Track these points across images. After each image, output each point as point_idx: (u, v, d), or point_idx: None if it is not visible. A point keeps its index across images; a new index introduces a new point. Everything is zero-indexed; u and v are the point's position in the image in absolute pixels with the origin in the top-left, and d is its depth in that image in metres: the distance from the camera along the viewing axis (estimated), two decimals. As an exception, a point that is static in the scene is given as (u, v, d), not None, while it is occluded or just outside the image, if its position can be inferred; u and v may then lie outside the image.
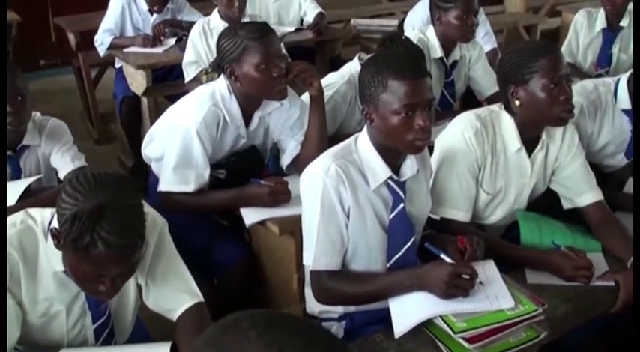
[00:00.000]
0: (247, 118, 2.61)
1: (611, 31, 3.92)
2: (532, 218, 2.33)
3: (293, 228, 2.29)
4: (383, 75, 1.85)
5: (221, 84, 2.57)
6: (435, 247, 1.96)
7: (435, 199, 2.24)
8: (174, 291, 1.83)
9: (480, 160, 2.25)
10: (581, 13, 4.02)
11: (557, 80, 2.12)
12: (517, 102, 2.19)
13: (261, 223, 2.44)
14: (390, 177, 1.94)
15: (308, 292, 2.07)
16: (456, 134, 2.25)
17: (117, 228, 1.51)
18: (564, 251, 2.12)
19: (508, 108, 2.25)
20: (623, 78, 2.56)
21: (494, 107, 2.32)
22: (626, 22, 3.91)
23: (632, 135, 2.60)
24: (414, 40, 3.09)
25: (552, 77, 2.12)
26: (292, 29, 4.68)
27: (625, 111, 2.56)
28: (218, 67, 2.56)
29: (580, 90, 2.50)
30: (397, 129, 1.85)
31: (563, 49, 4.01)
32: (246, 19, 3.88)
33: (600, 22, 3.93)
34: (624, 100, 2.54)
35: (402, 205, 1.96)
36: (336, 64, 3.76)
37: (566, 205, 2.39)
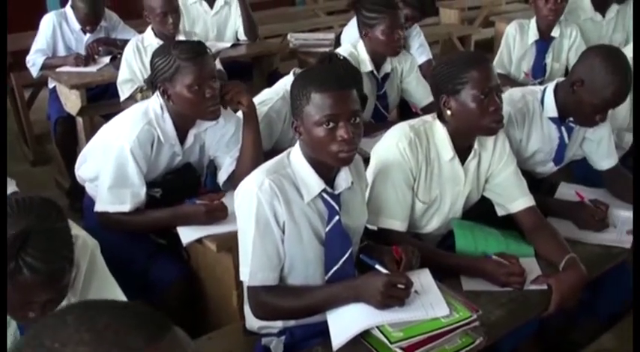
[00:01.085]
0: (182, 136, 2.60)
1: (544, 42, 4.01)
2: (467, 226, 2.37)
3: (231, 244, 2.28)
4: (306, 88, 1.88)
5: (154, 102, 2.56)
6: (370, 258, 1.98)
7: (373, 209, 2.27)
8: None
9: (415, 170, 2.28)
10: (512, 26, 4.06)
11: (487, 91, 2.18)
12: (449, 112, 2.24)
13: (199, 241, 2.42)
14: (325, 190, 1.95)
15: (247, 309, 2.06)
16: (391, 145, 2.29)
17: (42, 252, 1.48)
18: (497, 258, 2.16)
19: (441, 118, 2.30)
20: (550, 86, 2.63)
21: (428, 117, 2.36)
22: (557, 32, 3.98)
23: (559, 142, 2.67)
24: (345, 54, 3.13)
25: (482, 88, 2.17)
26: (229, 45, 4.68)
27: (552, 119, 2.63)
28: (151, 84, 2.55)
29: (508, 98, 2.56)
30: (320, 141, 1.87)
31: (495, 61, 4.06)
32: (181, 36, 3.86)
33: (533, 34, 3.99)
34: (551, 108, 2.61)
35: (337, 217, 1.98)
36: (273, 79, 3.77)
37: (500, 212, 2.44)
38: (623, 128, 3.10)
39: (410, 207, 2.32)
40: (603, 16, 4.20)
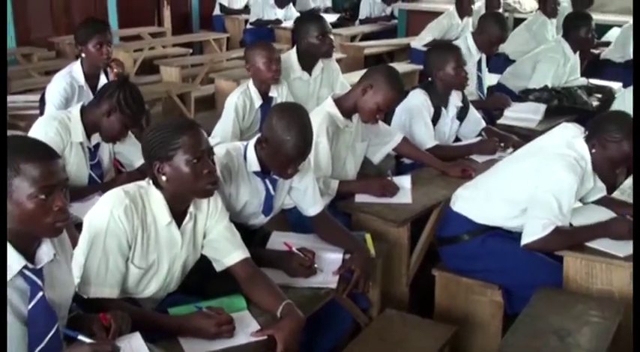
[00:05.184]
0: None
1: (267, 104, 4.04)
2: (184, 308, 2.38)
3: None
4: (13, 158, 1.78)
5: None
6: (72, 330, 1.92)
7: (84, 279, 2.22)
8: None
9: (131, 237, 2.27)
10: (238, 97, 4.01)
11: (199, 155, 2.25)
12: (164, 178, 2.27)
13: None
14: (25, 266, 1.85)
15: None
16: (105, 212, 2.25)
17: None
18: (204, 311, 2.22)
19: (156, 183, 2.31)
20: (251, 143, 2.75)
21: (143, 183, 2.36)
22: (274, 92, 4.11)
23: (266, 194, 2.81)
24: (57, 122, 3.08)
25: (194, 152, 2.24)
26: None
27: (256, 173, 2.75)
28: None
29: (213, 156, 2.64)
30: (34, 214, 1.79)
31: (231, 132, 3.97)
32: None
33: (257, 98, 4.05)
34: (253, 163, 2.73)
35: (41, 293, 1.88)
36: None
37: (217, 268, 2.49)
38: (327, 175, 3.34)
39: (122, 274, 2.30)
40: (310, 74, 4.52)
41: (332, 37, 4.52)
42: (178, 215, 2.36)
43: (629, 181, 3.63)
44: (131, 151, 3.40)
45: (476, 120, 4.33)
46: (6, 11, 3.93)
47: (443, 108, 4.11)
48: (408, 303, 3.41)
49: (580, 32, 5.27)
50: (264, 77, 4.05)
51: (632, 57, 6.58)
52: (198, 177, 2.26)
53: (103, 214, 2.25)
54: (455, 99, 4.16)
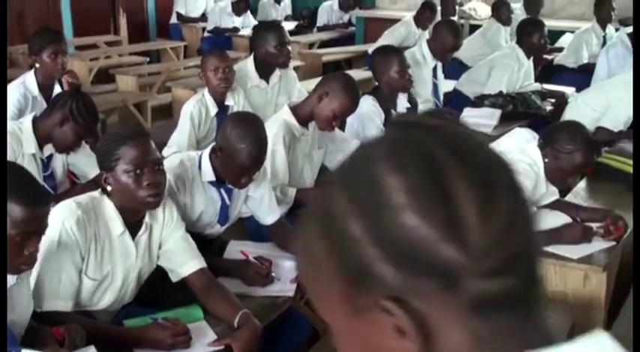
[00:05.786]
0: None
1: (222, 112, 4.00)
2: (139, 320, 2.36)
3: None
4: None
5: None
6: (15, 346, 1.89)
7: (37, 291, 2.19)
8: None
9: (84, 249, 2.24)
10: (194, 106, 3.95)
11: (140, 166, 2.22)
12: (109, 188, 2.26)
13: None
14: None
15: None
16: (57, 224, 2.21)
17: None
18: (161, 322, 2.20)
19: (107, 194, 2.29)
20: (205, 153, 2.74)
21: (96, 193, 2.34)
22: (230, 100, 4.07)
23: (221, 204, 2.79)
24: (9, 134, 3.01)
25: (135, 163, 2.22)
26: None
27: (211, 182, 2.74)
28: None
29: (167, 166, 2.61)
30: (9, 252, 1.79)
31: (186, 143, 3.89)
32: None
33: (212, 106, 4.00)
34: (208, 173, 2.72)
35: None
36: None
37: (174, 278, 2.47)
38: (285, 184, 3.34)
39: (75, 286, 2.27)
40: (267, 82, 4.50)
41: (290, 47, 4.51)
42: (133, 225, 2.34)
43: (582, 184, 3.71)
44: (85, 162, 3.35)
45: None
46: (6, 11, 3.85)
47: (393, 111, 4.15)
48: (367, 309, 3.41)
49: (533, 38, 5.36)
50: (212, 85, 4.01)
51: (584, 62, 6.75)
52: (139, 189, 2.23)
53: (54, 226, 2.21)
54: (402, 101, 4.23)
